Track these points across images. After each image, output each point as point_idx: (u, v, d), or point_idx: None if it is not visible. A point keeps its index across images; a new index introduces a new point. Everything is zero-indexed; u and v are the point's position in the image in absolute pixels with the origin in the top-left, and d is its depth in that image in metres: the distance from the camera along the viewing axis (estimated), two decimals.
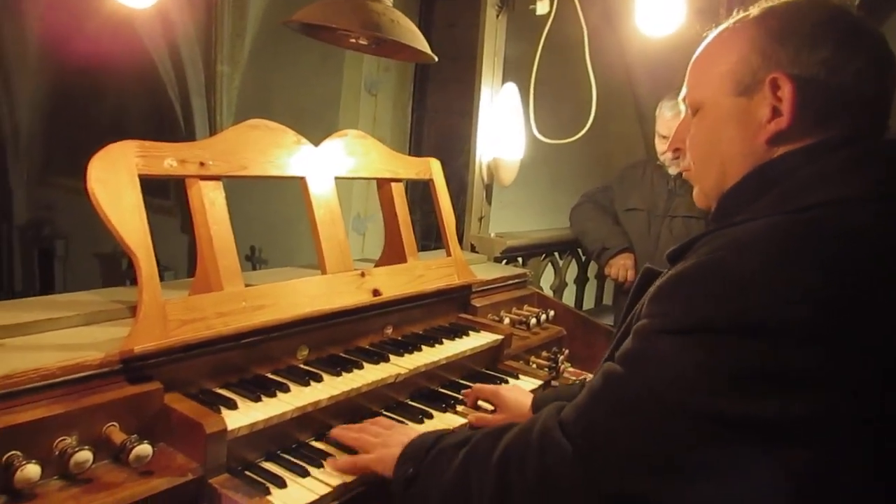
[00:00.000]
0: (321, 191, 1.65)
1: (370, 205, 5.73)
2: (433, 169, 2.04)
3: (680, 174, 2.65)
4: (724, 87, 0.99)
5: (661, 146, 2.66)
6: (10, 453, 0.99)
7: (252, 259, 5.74)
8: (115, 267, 7.14)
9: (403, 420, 1.49)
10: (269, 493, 1.16)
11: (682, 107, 1.14)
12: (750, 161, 0.98)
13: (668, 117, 2.55)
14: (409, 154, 5.86)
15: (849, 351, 0.77)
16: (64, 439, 1.05)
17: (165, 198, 6.51)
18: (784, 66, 0.93)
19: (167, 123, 6.51)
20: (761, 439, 0.77)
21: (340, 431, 1.35)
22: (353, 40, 1.74)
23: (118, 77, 6.89)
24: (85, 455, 1.03)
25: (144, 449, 1.07)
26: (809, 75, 0.92)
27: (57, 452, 1.04)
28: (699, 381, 0.80)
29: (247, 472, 1.23)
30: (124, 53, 6.41)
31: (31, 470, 0.97)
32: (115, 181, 1.23)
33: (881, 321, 0.78)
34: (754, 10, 1.00)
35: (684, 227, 2.57)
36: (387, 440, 1.26)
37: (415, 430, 1.36)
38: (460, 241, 2.56)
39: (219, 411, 1.22)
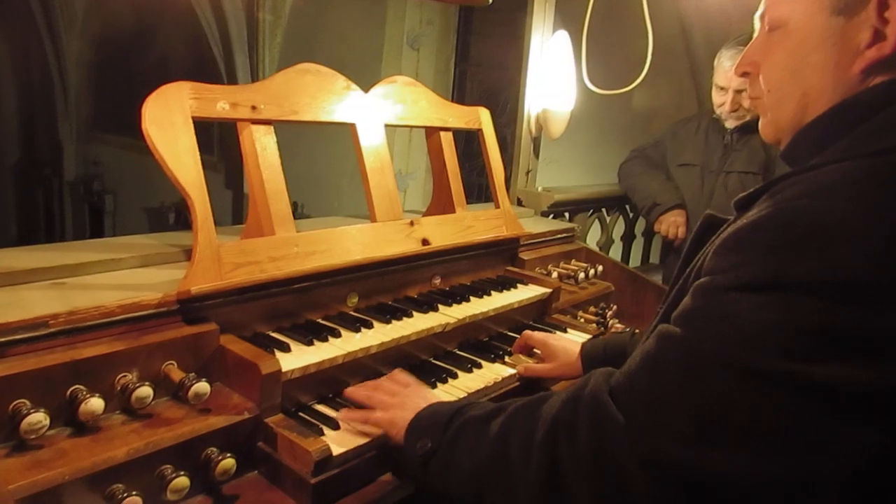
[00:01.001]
0: (371, 138, 1.62)
1: (411, 162, 5.70)
2: (482, 118, 1.99)
3: (737, 128, 2.56)
4: (819, 3, 0.87)
5: (718, 98, 2.55)
6: (74, 387, 1.01)
7: (295, 215, 5.78)
8: (162, 221, 7.29)
9: (452, 368, 1.49)
10: (322, 433, 1.17)
11: (757, 24, 1.01)
12: (839, 92, 0.86)
13: (728, 67, 2.44)
14: None
15: None
16: (125, 375, 1.07)
17: (209, 153, 6.58)
18: None
19: (211, 79, 6.53)
20: (845, 409, 0.68)
21: (353, 390, 1.27)
22: None
23: (162, 32, 6.93)
24: (146, 391, 1.05)
25: (203, 387, 1.09)
26: None
27: (119, 388, 1.06)
28: (777, 343, 0.70)
29: (301, 414, 1.25)
30: (168, 7, 6.43)
31: (95, 403, 0.99)
32: (169, 122, 1.23)
33: None
34: None
35: (740, 184, 2.49)
36: (403, 401, 1.17)
37: (432, 393, 1.28)
38: (508, 194, 2.53)
39: (273, 353, 1.23)
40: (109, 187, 8.61)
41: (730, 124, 2.56)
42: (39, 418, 0.94)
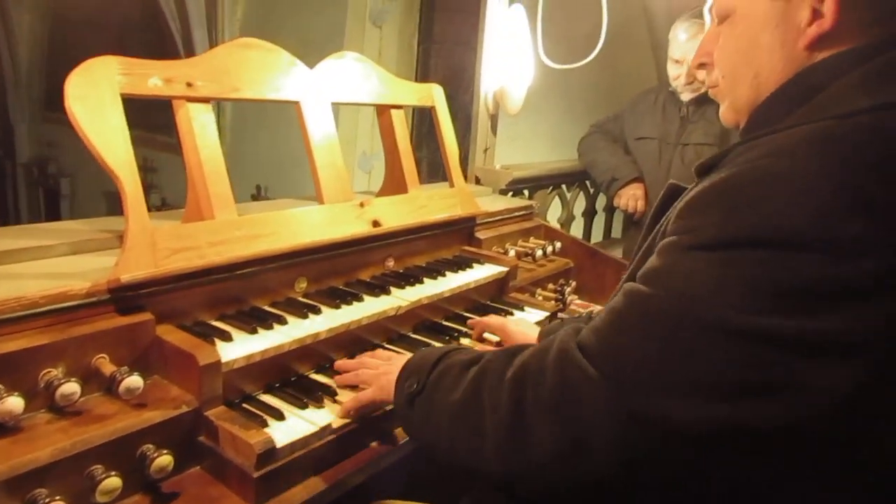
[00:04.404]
0: (317, 116, 1.56)
1: (376, 142, 5.60)
2: (435, 95, 1.94)
3: (693, 100, 2.55)
4: None
5: (674, 71, 2.54)
6: None
7: (258, 198, 5.67)
8: (122, 206, 7.06)
9: (404, 353, 1.46)
10: (266, 425, 1.13)
11: (708, 17, 1.08)
12: (789, 69, 0.90)
13: (683, 40, 2.42)
14: None
15: None
16: (50, 371, 1.01)
17: (172, 135, 6.39)
18: None
19: (168, 54, 6.33)
20: (805, 357, 0.72)
21: (342, 375, 1.32)
22: None
23: (117, 6, 6.68)
24: (72, 387, 0.99)
25: (135, 381, 1.04)
26: None
27: (42, 385, 1.00)
28: (739, 298, 0.73)
29: (244, 405, 1.20)
30: None
31: (12, 402, 0.93)
32: (95, 99, 1.16)
33: None
34: None
35: (696, 156, 2.49)
36: (388, 369, 1.21)
37: None
38: (466, 174, 2.49)
39: (213, 343, 1.18)
40: (65, 170, 8.32)
41: (685, 97, 2.56)
42: None
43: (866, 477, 0.78)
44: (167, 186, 6.87)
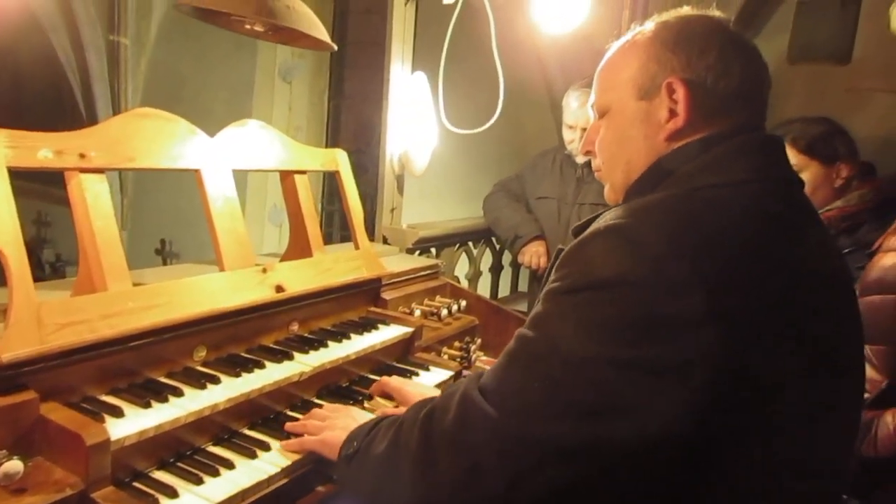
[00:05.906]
0: (217, 184, 1.57)
1: None
2: (339, 160, 1.98)
3: (587, 163, 2.70)
4: (628, 92, 1.11)
5: (568, 135, 2.70)
6: None
7: (162, 253, 5.48)
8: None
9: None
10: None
11: (591, 112, 1.23)
12: (652, 156, 1.10)
13: (575, 107, 2.58)
14: (327, 143, 5.70)
15: (724, 297, 0.87)
16: None
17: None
18: (677, 71, 1.06)
19: (68, 111, 6.12)
20: (647, 380, 0.86)
21: (289, 425, 1.39)
22: (249, 26, 1.67)
23: (12, 61, 6.43)
24: None
25: (13, 465, 0.99)
26: (699, 79, 1.05)
27: None
28: (590, 332, 0.89)
29: (135, 484, 1.16)
30: (18, 34, 5.99)
31: None
32: None
33: (750, 275, 0.90)
34: (650, 24, 1.13)
35: (592, 215, 2.62)
36: (333, 423, 1.31)
37: (361, 413, 1.39)
38: (374, 233, 2.53)
39: (102, 420, 1.14)
40: None
41: (580, 159, 2.71)
42: None
43: (725, 488, 0.92)
44: (62, 241, 6.55)
